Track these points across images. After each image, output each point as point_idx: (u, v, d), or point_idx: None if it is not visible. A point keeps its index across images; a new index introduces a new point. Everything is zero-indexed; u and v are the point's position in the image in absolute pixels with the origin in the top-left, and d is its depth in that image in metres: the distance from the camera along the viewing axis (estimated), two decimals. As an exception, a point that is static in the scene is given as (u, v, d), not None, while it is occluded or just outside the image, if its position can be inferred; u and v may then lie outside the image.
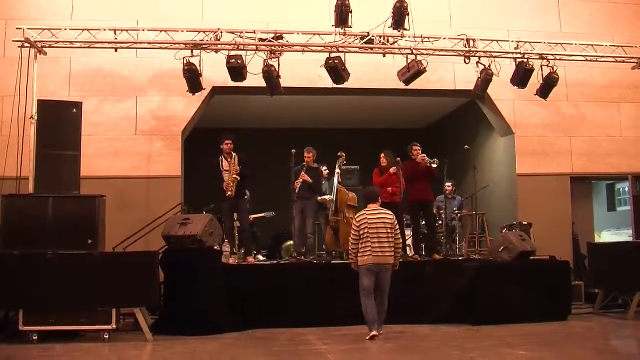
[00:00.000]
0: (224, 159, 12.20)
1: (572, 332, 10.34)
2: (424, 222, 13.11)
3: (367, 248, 9.60)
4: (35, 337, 9.45)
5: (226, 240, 11.83)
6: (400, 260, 10.18)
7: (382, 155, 12.67)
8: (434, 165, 12.43)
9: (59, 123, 10.91)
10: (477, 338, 9.63)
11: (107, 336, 9.63)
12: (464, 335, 10.00)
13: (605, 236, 18.98)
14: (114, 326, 9.69)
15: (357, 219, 9.85)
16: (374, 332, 9.44)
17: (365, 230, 9.65)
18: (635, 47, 13.76)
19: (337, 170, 13.00)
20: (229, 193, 11.97)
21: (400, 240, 10.06)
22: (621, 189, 20.68)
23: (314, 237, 12.80)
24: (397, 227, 9.92)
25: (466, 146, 14.05)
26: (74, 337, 9.82)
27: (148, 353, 9.16)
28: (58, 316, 9.57)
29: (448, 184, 14.38)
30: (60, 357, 8.76)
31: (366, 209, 9.96)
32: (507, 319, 10.78)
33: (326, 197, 13.12)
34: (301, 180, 12.36)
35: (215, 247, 11.06)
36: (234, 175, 11.99)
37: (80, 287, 9.61)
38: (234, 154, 12.18)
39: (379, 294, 9.70)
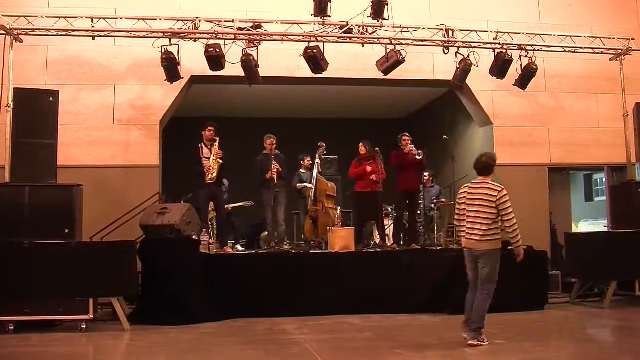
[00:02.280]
0: (204, 146, 12.16)
1: (549, 321, 10.40)
2: (406, 212, 13.14)
3: (463, 228, 8.45)
4: (12, 327, 9.38)
5: (204, 229, 11.79)
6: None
7: (361, 144, 12.73)
8: (419, 158, 12.47)
9: (35, 112, 10.82)
10: (455, 327, 9.59)
11: (84, 326, 9.58)
12: (442, 324, 10.03)
13: (583, 226, 19.14)
14: (92, 316, 9.62)
15: (458, 194, 8.66)
16: (464, 335, 8.27)
17: (463, 208, 8.43)
18: (614, 38, 13.80)
19: (317, 160, 13.02)
20: (211, 176, 11.93)
21: (511, 222, 8.16)
22: (599, 180, 20.85)
23: (285, 225, 12.81)
24: (506, 204, 8.16)
25: (445, 136, 14.11)
26: (51, 327, 9.77)
27: (126, 343, 9.11)
28: (35, 306, 9.50)
29: (426, 174, 14.42)
30: (37, 348, 8.71)
31: (472, 182, 8.60)
32: (485, 308, 10.81)
33: (307, 185, 13.15)
34: (276, 170, 12.33)
35: (193, 237, 11.02)
36: (217, 159, 11.97)
37: (58, 277, 9.55)
38: (216, 139, 12.15)
39: (476, 286, 8.38)
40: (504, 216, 8.13)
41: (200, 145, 12.19)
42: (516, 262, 8.40)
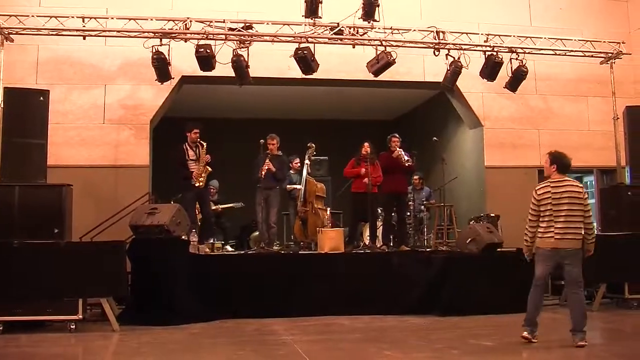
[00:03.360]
0: (189, 147, 12.16)
1: (538, 323, 10.40)
2: (394, 214, 13.12)
3: (550, 228, 8.05)
4: (1, 328, 9.33)
5: (194, 230, 11.77)
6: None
7: (367, 144, 12.58)
8: (407, 164, 12.46)
9: (25, 111, 10.81)
10: (444, 329, 9.67)
11: (73, 326, 9.55)
12: (431, 326, 10.04)
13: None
14: (81, 316, 9.59)
15: (538, 192, 8.20)
16: (525, 334, 8.20)
17: (549, 207, 8.05)
18: (604, 42, 13.89)
19: (307, 161, 13.01)
20: (200, 184, 11.97)
21: (592, 220, 8.21)
22: (589, 182, 20.86)
23: (276, 227, 12.80)
24: (588, 202, 8.20)
25: (435, 138, 14.11)
26: (40, 327, 9.75)
27: (115, 343, 9.09)
28: (24, 306, 9.44)
29: (416, 176, 14.44)
30: (26, 348, 8.69)
31: (550, 179, 8.27)
32: (474, 310, 10.83)
33: (296, 186, 13.14)
34: (266, 168, 12.32)
35: (182, 237, 11.01)
36: (205, 166, 12.00)
37: (47, 277, 9.50)
38: (204, 144, 12.16)
39: (572, 290, 8.22)
40: (587, 212, 8.09)
41: (184, 147, 12.19)
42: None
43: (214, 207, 13.97)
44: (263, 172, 12.28)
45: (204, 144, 12.18)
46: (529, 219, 8.30)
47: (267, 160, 12.37)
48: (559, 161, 8.26)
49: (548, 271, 8.25)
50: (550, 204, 8.05)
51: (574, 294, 8.15)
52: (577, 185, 8.18)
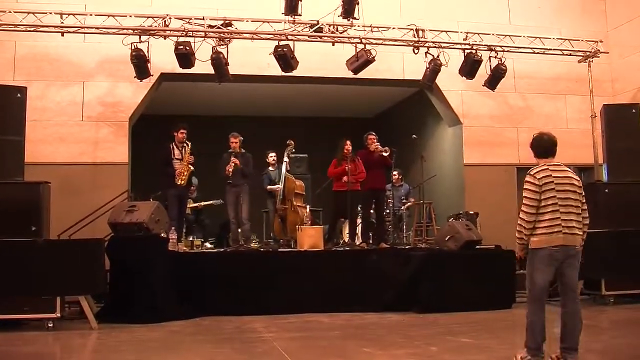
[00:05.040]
0: (175, 147, 12.15)
1: (515, 320, 10.44)
2: (372, 211, 13.14)
3: (556, 221, 6.43)
4: (-23, 327, 9.28)
5: (173, 227, 11.74)
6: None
7: (348, 142, 12.51)
8: (385, 154, 12.46)
9: (2, 108, 10.69)
10: (423, 326, 9.69)
11: (51, 325, 9.47)
12: (410, 323, 10.05)
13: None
14: (59, 314, 9.51)
15: (538, 176, 6.54)
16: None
17: (553, 195, 6.44)
18: (582, 41, 13.99)
19: (286, 158, 12.99)
20: (181, 182, 11.97)
21: (587, 214, 6.73)
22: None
23: (250, 223, 12.76)
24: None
25: (414, 135, 14.16)
26: (17, 326, 9.64)
27: (93, 341, 9.03)
28: (1, 305, 9.36)
29: (395, 172, 14.45)
30: (3, 347, 8.57)
31: (546, 163, 6.72)
32: (453, 307, 10.86)
33: (275, 187, 13.10)
34: (233, 165, 12.31)
35: (161, 235, 10.98)
36: (188, 165, 12.01)
37: (24, 274, 9.40)
38: (189, 143, 12.18)
39: (567, 297, 6.73)
40: (584, 204, 6.69)
41: (171, 146, 12.19)
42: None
43: (194, 205, 13.97)
44: (230, 170, 12.27)
45: (189, 143, 12.20)
46: (526, 212, 6.51)
47: (233, 157, 12.35)
48: (536, 144, 7.04)
49: (550, 278, 6.63)
50: (554, 189, 6.44)
51: (573, 303, 6.70)
52: (573, 172, 6.78)
